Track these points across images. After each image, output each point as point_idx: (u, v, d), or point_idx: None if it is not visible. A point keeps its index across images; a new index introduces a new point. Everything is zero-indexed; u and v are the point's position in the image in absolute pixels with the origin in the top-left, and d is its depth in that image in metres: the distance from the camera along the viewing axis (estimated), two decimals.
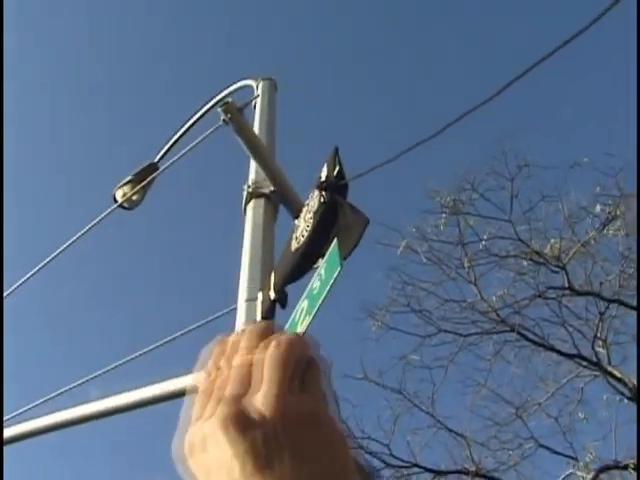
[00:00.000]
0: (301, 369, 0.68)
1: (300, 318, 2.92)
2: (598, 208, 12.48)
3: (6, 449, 3.96)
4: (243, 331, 0.73)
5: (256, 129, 4.73)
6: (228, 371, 0.69)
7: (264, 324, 0.74)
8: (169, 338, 4.78)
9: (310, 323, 2.82)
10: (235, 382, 0.68)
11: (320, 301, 2.78)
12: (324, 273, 2.86)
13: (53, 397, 4.53)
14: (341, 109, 21.00)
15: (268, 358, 0.67)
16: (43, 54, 20.99)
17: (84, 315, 20.42)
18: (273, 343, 0.68)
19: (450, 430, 12.19)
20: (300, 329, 2.87)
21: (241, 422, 0.63)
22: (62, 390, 4.56)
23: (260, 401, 0.65)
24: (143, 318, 19.81)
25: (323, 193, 3.22)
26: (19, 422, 4.08)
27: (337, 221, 3.07)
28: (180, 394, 3.44)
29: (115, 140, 21.11)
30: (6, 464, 3.79)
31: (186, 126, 6.08)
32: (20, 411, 4.43)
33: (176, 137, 6.15)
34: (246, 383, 0.67)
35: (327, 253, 2.93)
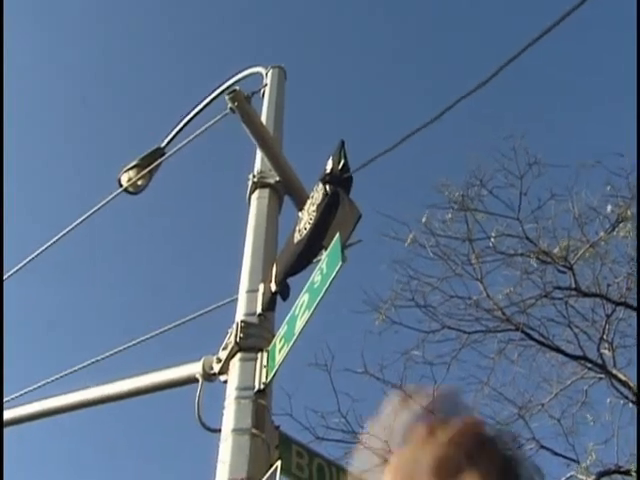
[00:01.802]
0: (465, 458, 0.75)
1: (300, 312, 2.93)
2: (609, 209, 12.43)
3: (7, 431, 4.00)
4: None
5: (263, 118, 4.73)
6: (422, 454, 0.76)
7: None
8: (169, 326, 4.80)
9: (310, 317, 2.83)
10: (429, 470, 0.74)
11: (320, 295, 2.79)
12: (325, 267, 2.87)
13: (51, 381, 4.57)
14: (353, 100, 20.95)
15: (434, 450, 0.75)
16: (50, 30, 20.99)
17: (86, 302, 20.46)
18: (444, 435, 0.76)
19: None
20: (300, 322, 2.88)
21: None
22: (61, 374, 4.59)
23: None
24: (142, 307, 19.85)
25: (327, 186, 3.23)
26: (18, 405, 4.11)
27: (336, 215, 3.09)
28: (181, 382, 3.46)
29: (123, 124, 21.11)
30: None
31: (194, 112, 6.09)
32: (17, 395, 4.47)
33: (183, 123, 6.16)
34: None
35: (329, 247, 2.93)
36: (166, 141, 6.22)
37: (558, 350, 12.35)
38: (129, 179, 5.92)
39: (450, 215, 13.21)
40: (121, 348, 4.67)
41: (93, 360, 4.66)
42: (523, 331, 12.23)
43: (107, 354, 4.71)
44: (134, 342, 4.70)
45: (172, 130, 6.23)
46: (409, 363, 12.63)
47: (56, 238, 5.30)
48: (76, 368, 4.62)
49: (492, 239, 12.89)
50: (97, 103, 21.00)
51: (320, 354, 12.13)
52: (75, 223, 5.35)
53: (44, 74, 19.42)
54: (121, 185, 5.89)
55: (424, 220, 13.17)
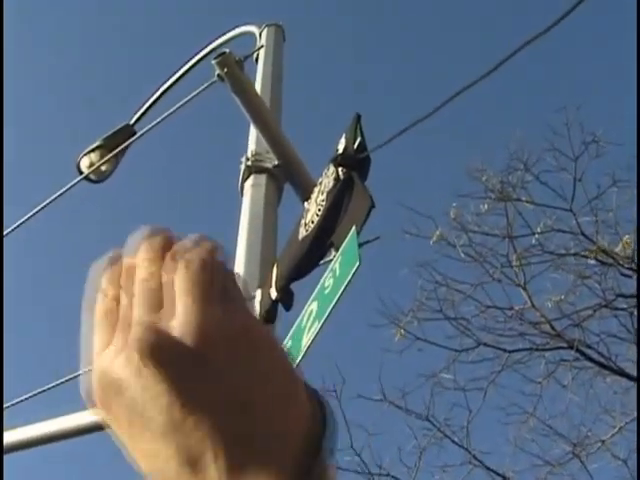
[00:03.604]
0: (219, 282, 0.68)
1: (308, 323, 2.98)
2: None
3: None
4: (142, 244, 0.72)
5: (258, 87, 4.78)
6: (131, 292, 0.69)
7: (164, 234, 0.73)
8: None
9: (320, 330, 2.88)
10: (143, 304, 0.67)
11: (333, 303, 2.84)
12: (339, 269, 2.92)
13: (46, 390, 4.63)
14: (366, 65, 20.99)
15: (180, 273, 0.67)
16: None
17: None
18: (184, 257, 0.68)
19: (488, 468, 12.22)
20: (308, 336, 2.94)
21: (158, 352, 0.63)
22: (56, 383, 4.64)
23: (177, 322, 0.65)
24: None
25: (339, 169, 3.27)
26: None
27: (349, 205, 3.13)
28: None
29: (83, 95, 21.17)
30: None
31: (171, 81, 6.14)
32: (10, 403, 4.52)
33: (158, 94, 6.21)
34: (156, 304, 0.67)
35: (342, 244, 2.98)
36: (136, 117, 6.27)
37: (622, 373, 12.38)
38: (90, 164, 5.98)
39: (486, 206, 13.28)
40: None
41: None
42: (578, 349, 12.27)
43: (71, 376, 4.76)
44: None
45: (144, 104, 6.28)
46: (437, 388, 12.71)
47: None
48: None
49: (538, 235, 12.95)
50: (54, 65, 21.04)
51: (328, 377, 12.18)
52: (26, 217, 5.41)
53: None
54: (81, 171, 5.94)
55: (454, 213, 13.25)
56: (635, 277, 12.40)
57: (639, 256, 11.84)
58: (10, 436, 3.95)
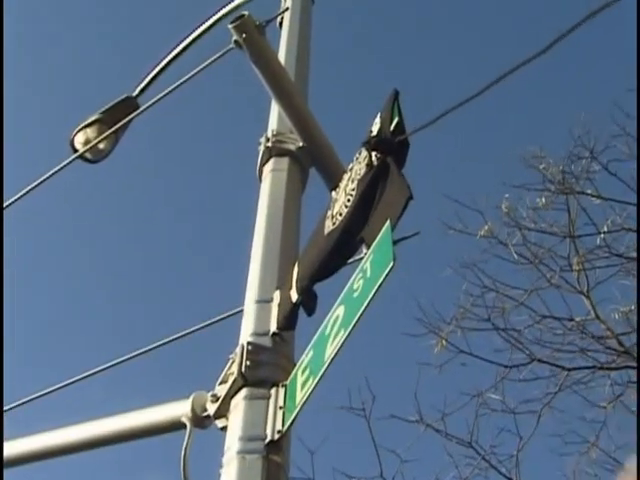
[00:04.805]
0: None
1: (333, 330, 2.99)
2: None
3: None
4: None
5: (282, 57, 4.79)
6: None
7: None
8: (143, 350, 4.90)
9: (347, 338, 2.89)
10: None
11: (363, 308, 2.85)
12: (370, 268, 2.93)
13: (43, 395, 4.69)
14: (405, 37, 20.95)
15: None
16: None
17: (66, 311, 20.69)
18: None
19: None
20: (332, 346, 2.95)
21: None
22: (54, 387, 4.69)
23: None
24: (108, 325, 20.04)
25: (373, 154, 3.28)
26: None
27: (382, 196, 3.13)
28: (161, 429, 3.55)
29: (80, 65, 21.29)
30: None
31: (180, 48, 6.16)
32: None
33: (165, 63, 6.24)
34: None
35: (375, 240, 2.99)
36: (139, 89, 6.30)
37: None
38: (86, 141, 6.01)
39: (544, 200, 13.23)
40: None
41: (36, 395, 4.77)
42: None
43: (54, 387, 4.81)
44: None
45: (149, 74, 6.30)
46: (482, 410, 12.67)
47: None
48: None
49: (605, 235, 12.87)
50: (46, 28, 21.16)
51: (356, 393, 12.20)
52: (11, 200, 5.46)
53: None
54: (75, 149, 5.98)
55: (505, 206, 13.20)
56: None
57: None
58: (10, 447, 3.99)
